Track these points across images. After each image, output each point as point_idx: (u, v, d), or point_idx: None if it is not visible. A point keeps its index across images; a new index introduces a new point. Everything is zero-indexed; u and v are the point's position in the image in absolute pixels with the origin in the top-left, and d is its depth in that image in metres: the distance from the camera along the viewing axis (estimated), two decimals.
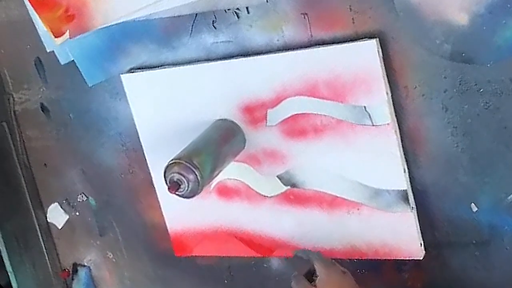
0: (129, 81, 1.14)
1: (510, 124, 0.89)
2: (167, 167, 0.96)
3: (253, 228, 1.12)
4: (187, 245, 1.21)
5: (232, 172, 1.08)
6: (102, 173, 1.29)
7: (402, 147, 0.96)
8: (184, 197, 0.97)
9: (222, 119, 1.06)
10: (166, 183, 0.96)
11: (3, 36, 1.26)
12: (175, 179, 0.95)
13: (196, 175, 0.95)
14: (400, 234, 0.99)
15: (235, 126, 1.05)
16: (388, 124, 0.94)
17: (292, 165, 1.04)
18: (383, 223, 0.99)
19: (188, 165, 0.95)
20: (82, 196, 1.34)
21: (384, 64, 0.92)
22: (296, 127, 1.01)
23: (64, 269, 1.44)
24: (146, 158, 1.18)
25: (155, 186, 1.19)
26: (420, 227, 0.99)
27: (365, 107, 0.94)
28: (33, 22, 1.18)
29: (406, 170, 0.97)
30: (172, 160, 0.96)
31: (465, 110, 0.91)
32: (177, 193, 0.96)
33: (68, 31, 1.12)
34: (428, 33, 0.88)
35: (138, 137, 1.17)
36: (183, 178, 0.95)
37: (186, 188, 0.95)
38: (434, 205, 0.99)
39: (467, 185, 0.95)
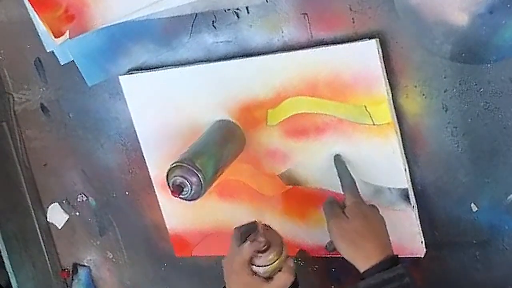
0: (127, 82, 1.13)
1: (510, 124, 0.89)
2: (169, 170, 0.95)
3: None
4: (187, 245, 1.21)
5: (233, 172, 1.08)
6: (102, 173, 1.29)
7: (403, 146, 0.96)
8: (187, 200, 0.96)
9: (222, 120, 1.06)
10: (169, 187, 0.95)
11: (3, 36, 1.26)
12: (177, 183, 0.94)
13: (198, 177, 0.94)
14: (401, 232, 0.99)
15: (236, 127, 1.05)
16: (388, 123, 0.94)
17: (293, 164, 1.04)
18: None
19: (191, 168, 0.94)
20: (82, 196, 1.34)
21: (384, 64, 0.92)
22: (297, 127, 1.01)
23: (64, 269, 1.43)
24: (145, 159, 1.18)
25: (154, 186, 1.19)
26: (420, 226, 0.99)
27: (365, 106, 0.94)
28: (33, 22, 1.17)
29: (407, 169, 0.97)
30: (174, 163, 0.95)
31: (465, 110, 0.91)
32: (180, 196, 0.94)
33: (68, 31, 1.12)
34: (428, 33, 0.88)
35: (138, 138, 1.17)
36: (186, 181, 0.94)
37: (189, 191, 0.94)
38: (434, 205, 0.99)
39: (467, 185, 0.95)
